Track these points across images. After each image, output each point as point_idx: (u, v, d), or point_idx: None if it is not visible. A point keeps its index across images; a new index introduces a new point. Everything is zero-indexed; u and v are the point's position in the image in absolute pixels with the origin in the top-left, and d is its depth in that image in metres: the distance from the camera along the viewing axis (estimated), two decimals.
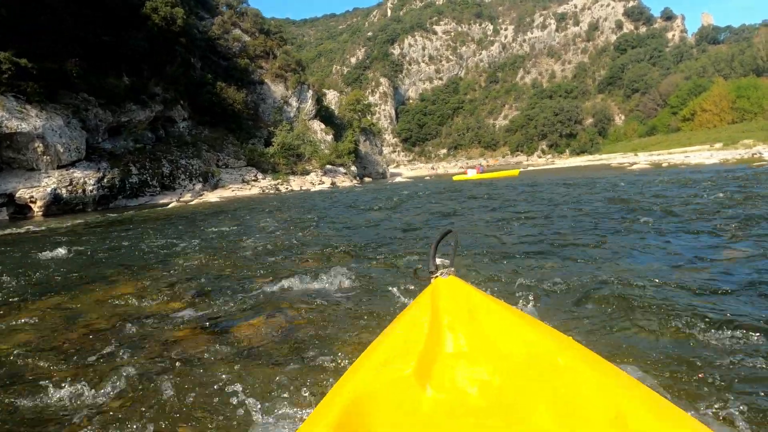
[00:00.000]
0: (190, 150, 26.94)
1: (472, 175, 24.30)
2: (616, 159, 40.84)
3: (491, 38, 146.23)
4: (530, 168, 46.19)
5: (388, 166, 62.03)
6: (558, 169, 29.95)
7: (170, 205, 19.14)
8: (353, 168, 42.28)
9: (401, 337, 1.10)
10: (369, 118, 54.56)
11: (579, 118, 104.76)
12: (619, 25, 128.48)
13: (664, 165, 22.90)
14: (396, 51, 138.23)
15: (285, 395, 1.87)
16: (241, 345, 2.51)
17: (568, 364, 0.88)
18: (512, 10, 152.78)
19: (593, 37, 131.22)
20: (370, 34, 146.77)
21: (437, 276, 1.29)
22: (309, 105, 41.73)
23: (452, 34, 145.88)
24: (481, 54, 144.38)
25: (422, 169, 79.73)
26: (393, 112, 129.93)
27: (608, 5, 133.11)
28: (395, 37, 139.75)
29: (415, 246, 5.22)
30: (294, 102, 40.48)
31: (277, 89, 39.38)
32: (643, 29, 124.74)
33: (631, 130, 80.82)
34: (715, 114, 57.17)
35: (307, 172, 34.76)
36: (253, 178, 29.25)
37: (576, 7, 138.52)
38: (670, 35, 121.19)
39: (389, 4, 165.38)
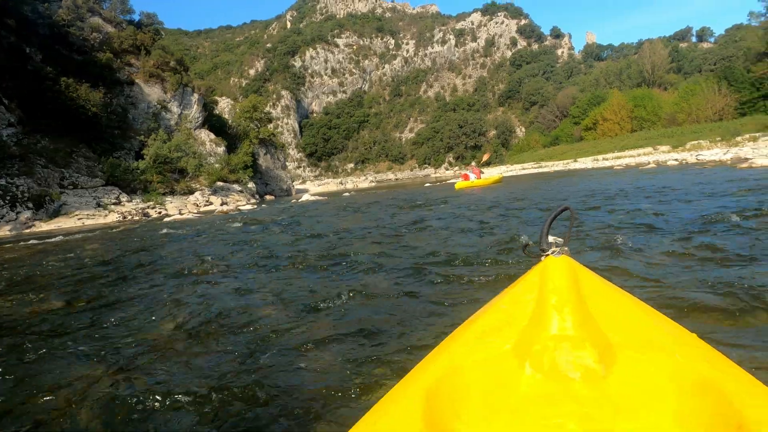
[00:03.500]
0: (17, 166, 19.73)
1: (473, 180, 20.04)
2: (556, 166, 38.76)
3: (393, 52, 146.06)
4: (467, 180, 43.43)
5: (293, 182, 56.22)
6: (531, 176, 27.67)
7: None
8: (251, 185, 36.18)
9: (503, 313, 1.07)
10: (270, 128, 48.57)
11: (483, 130, 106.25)
12: (514, 42, 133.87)
13: (640, 165, 21.23)
14: (297, 63, 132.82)
15: None
16: None
17: (688, 362, 0.81)
18: (412, 25, 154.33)
19: (490, 52, 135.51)
20: (269, 45, 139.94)
21: (549, 254, 1.22)
22: (194, 111, 35.07)
23: (354, 47, 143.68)
24: (384, 68, 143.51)
25: (330, 185, 74.62)
26: (297, 125, 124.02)
27: (503, 23, 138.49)
28: (296, 49, 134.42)
29: None
30: (175, 107, 33.65)
31: (153, 92, 32.41)
32: (535, 46, 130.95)
33: (534, 141, 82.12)
34: (615, 123, 58.55)
35: (193, 191, 28.30)
36: (113, 200, 22.45)
37: (473, 23, 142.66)
38: (559, 52, 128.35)
39: (289, 17, 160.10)
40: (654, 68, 77.60)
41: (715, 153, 17.04)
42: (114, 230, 13.86)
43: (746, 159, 12.25)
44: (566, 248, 1.26)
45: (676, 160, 16.64)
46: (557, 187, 13.44)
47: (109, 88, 28.51)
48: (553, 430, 0.74)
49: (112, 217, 20.11)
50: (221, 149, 35.63)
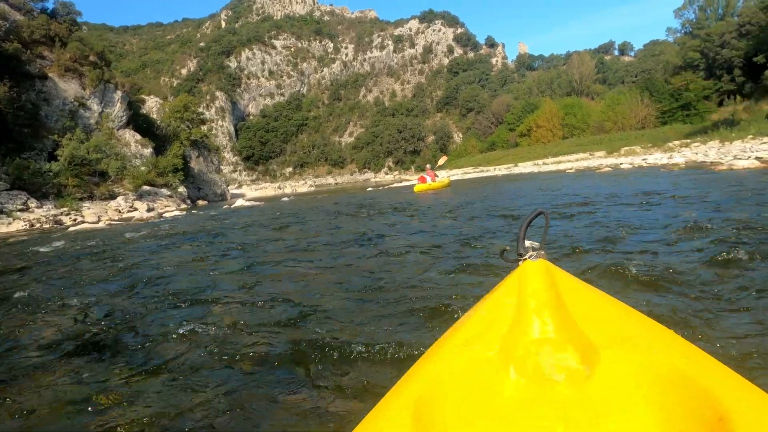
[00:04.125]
0: None
1: (430, 183, 18.70)
2: (500, 170, 39.06)
3: (332, 56, 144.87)
4: (411, 182, 42.78)
5: (228, 186, 53.86)
6: (478, 179, 27.21)
7: None
8: (182, 189, 33.99)
9: (485, 319, 1.08)
10: (204, 129, 46.21)
11: (422, 136, 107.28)
12: (450, 50, 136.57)
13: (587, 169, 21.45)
14: (233, 64, 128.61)
15: None
16: None
17: (667, 358, 0.83)
18: (351, 29, 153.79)
19: (428, 59, 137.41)
20: (202, 44, 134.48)
21: (526, 259, 1.25)
22: (117, 110, 32.45)
23: (292, 49, 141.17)
24: (323, 71, 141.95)
25: (268, 189, 72.39)
26: (232, 128, 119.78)
27: (440, 30, 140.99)
28: (231, 49, 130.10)
29: None
30: (95, 105, 30.93)
31: (69, 87, 29.60)
32: (471, 54, 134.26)
33: (471, 147, 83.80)
34: (548, 130, 60.72)
35: (115, 196, 26.00)
36: (20, 206, 20.04)
37: (411, 30, 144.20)
38: (494, 61, 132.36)
39: (223, 16, 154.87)
40: (582, 78, 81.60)
41: (658, 157, 17.64)
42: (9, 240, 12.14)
43: (719, 162, 12.00)
44: (543, 252, 1.29)
45: (630, 164, 16.85)
46: (527, 191, 12.57)
47: (16, 82, 25.68)
48: None
49: (18, 225, 17.85)
50: (148, 151, 33.22)
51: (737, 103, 41.71)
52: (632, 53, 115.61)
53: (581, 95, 74.83)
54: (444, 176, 25.35)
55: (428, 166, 19.50)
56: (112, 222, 17.83)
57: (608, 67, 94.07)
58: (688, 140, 25.02)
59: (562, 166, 27.19)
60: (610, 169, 16.27)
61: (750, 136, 19.21)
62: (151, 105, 45.35)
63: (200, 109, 53.08)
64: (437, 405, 0.84)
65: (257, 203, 22.21)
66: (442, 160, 24.55)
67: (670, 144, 25.87)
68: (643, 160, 18.13)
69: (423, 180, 18.49)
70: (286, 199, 25.70)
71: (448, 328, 1.16)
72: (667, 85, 48.90)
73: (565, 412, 0.78)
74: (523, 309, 1.03)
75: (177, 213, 20.34)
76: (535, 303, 1.03)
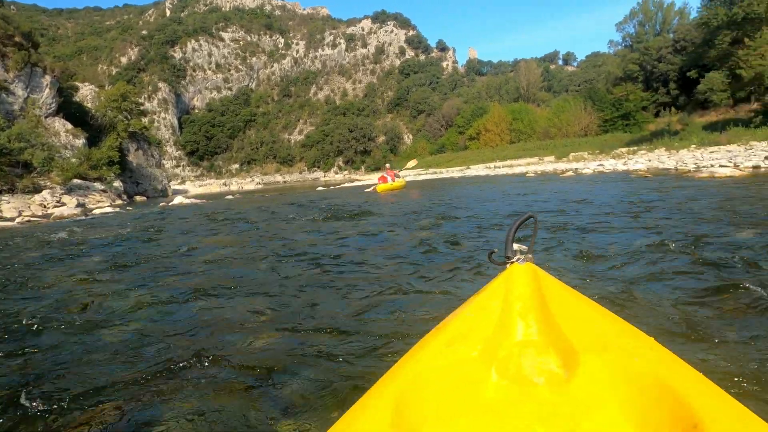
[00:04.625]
0: None
1: (391, 183, 17.57)
2: (453, 173, 38.98)
3: (283, 51, 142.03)
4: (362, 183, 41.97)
5: (169, 181, 51.31)
6: (434, 181, 25.84)
7: None
8: (117, 184, 31.84)
9: (469, 320, 1.09)
10: (145, 121, 43.74)
11: (372, 136, 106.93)
12: (402, 52, 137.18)
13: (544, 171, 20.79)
14: (177, 54, 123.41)
15: None
16: None
17: (645, 365, 0.84)
18: (303, 26, 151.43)
19: (380, 60, 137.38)
20: (145, 32, 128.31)
21: (513, 262, 1.28)
22: (45, 96, 29.91)
23: (241, 43, 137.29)
24: (272, 67, 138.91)
25: (213, 186, 69.80)
26: (176, 121, 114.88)
27: (392, 32, 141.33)
28: (176, 39, 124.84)
29: None
30: (19, 90, 28.34)
31: None
32: (422, 57, 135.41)
33: (421, 148, 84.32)
34: (496, 134, 61.89)
35: (40, 189, 23.86)
36: None
37: (363, 30, 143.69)
38: (444, 64, 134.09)
39: (168, 4, 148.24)
40: (529, 86, 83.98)
41: (613, 163, 17.91)
42: None
43: (696, 169, 11.73)
44: (530, 255, 1.30)
45: (591, 169, 16.88)
46: (499, 195, 11.65)
47: None
48: None
49: None
50: (80, 141, 30.89)
51: (672, 115, 44.01)
52: (575, 63, 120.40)
53: (528, 101, 76.90)
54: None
55: (387, 165, 18.92)
56: (33, 218, 16.15)
57: (553, 76, 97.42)
58: (635, 147, 25.93)
59: (517, 170, 27.38)
60: (572, 173, 16.19)
61: (693, 146, 20.06)
62: (86, 93, 42.34)
63: (140, 100, 50.29)
64: (417, 403, 0.84)
65: (198, 201, 20.74)
66: (411, 163, 24.11)
67: (618, 151, 26.74)
68: (599, 165, 18.36)
69: (384, 180, 17.77)
70: (230, 197, 24.32)
71: (432, 328, 1.14)
72: (609, 95, 50.95)
73: (544, 414, 0.79)
74: (508, 311, 1.05)
75: (108, 210, 18.74)
76: (520, 306, 1.05)
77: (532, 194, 11.11)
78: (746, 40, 21.59)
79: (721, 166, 11.39)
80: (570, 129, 52.79)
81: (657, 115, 47.35)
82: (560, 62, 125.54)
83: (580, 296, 1.17)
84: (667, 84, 48.33)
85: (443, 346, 0.99)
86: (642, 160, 17.06)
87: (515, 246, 1.31)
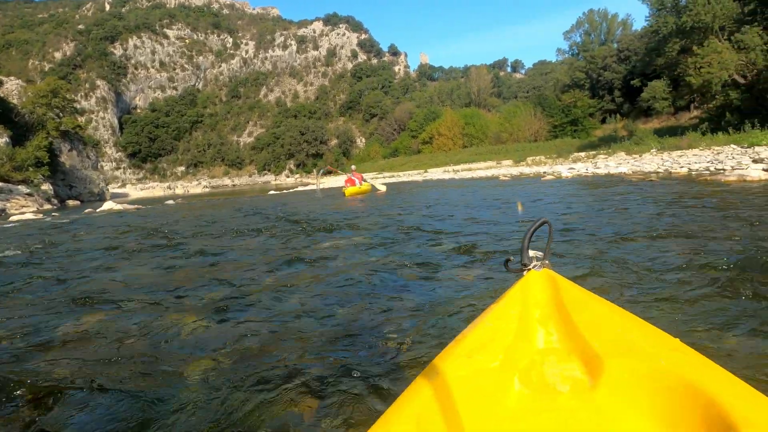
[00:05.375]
0: None
1: (359, 186, 16.42)
2: (413, 176, 38.09)
3: (231, 51, 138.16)
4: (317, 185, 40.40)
5: (107, 184, 48.18)
6: (391, 186, 22.83)
7: None
8: (46, 187, 29.21)
9: (489, 330, 1.08)
10: (81, 120, 40.71)
11: (324, 139, 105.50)
12: (355, 55, 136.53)
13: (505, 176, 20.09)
14: (118, 51, 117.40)
15: None
16: None
17: (672, 367, 0.82)
18: (252, 26, 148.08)
19: (332, 62, 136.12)
20: (81, 27, 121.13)
21: (530, 269, 1.28)
22: None
23: (187, 41, 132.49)
24: (221, 66, 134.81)
25: (156, 189, 66.43)
26: (116, 121, 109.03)
27: (344, 35, 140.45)
28: (116, 35, 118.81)
29: None
30: None
31: None
32: (374, 61, 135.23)
33: (374, 152, 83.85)
34: (449, 138, 62.15)
35: None
36: None
37: (315, 32, 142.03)
38: (396, 69, 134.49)
39: None
40: (480, 91, 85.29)
41: (581, 167, 17.69)
42: None
43: (717, 172, 10.61)
44: (547, 261, 1.30)
45: (569, 172, 16.29)
46: (490, 201, 9.83)
47: None
48: None
49: None
50: (2, 140, 28.09)
51: (617, 121, 45.50)
52: (523, 71, 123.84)
53: (479, 107, 77.98)
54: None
55: (353, 167, 17.68)
56: None
57: (503, 82, 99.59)
58: (593, 152, 26.27)
59: (481, 173, 26.98)
60: (552, 177, 15.62)
61: (654, 150, 20.34)
62: (11, 88, 38.86)
63: (75, 97, 46.98)
64: (441, 417, 0.83)
65: (132, 207, 18.55)
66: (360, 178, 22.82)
67: (577, 155, 27.03)
68: (570, 168, 18.12)
69: (352, 182, 16.52)
70: (171, 202, 22.17)
71: (452, 340, 1.12)
72: (557, 102, 52.17)
73: (569, 422, 0.78)
74: (527, 319, 1.05)
75: (29, 216, 16.69)
76: (539, 313, 1.06)
77: (538, 200, 9.37)
78: (695, 48, 22.18)
79: (734, 168, 10.85)
80: (521, 134, 53.64)
81: (603, 121, 48.88)
82: (509, 69, 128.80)
83: (600, 300, 1.13)
84: (612, 92, 50.02)
85: (464, 357, 0.98)
86: (612, 164, 16.97)
87: (531, 252, 1.29)
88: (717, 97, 22.20)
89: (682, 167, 12.79)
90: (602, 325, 0.98)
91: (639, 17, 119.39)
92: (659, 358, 0.85)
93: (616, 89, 49.39)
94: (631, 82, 45.93)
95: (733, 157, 13.11)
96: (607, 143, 33.47)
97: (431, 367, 0.99)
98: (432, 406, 0.84)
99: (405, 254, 4.33)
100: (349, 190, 15.78)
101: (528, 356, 0.94)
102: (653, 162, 15.39)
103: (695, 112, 37.63)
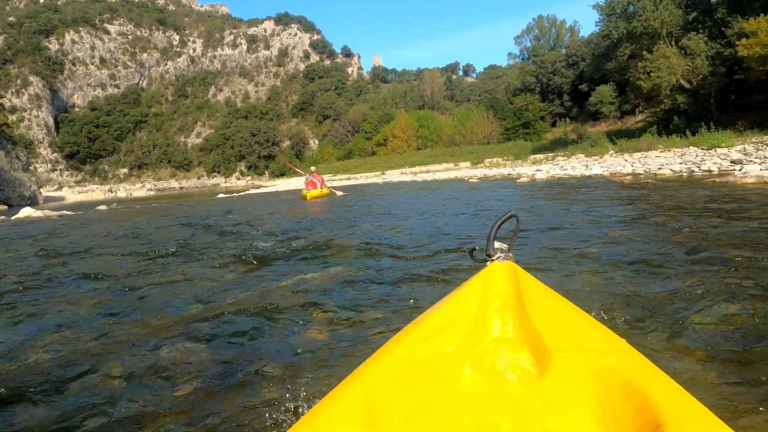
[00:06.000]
0: None
1: (320, 189, 15.20)
2: (370, 178, 37.13)
3: (178, 49, 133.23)
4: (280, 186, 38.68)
5: (40, 187, 44.95)
6: (350, 188, 21.27)
7: None
8: None
9: (447, 315, 1.10)
10: (11, 118, 37.71)
11: (276, 140, 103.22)
12: (307, 55, 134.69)
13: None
14: (53, 46, 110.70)
15: None
16: None
17: (615, 366, 0.86)
18: (200, 23, 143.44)
19: (284, 63, 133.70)
20: (12, 19, 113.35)
21: (494, 259, 1.30)
22: None
23: (130, 37, 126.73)
24: (166, 65, 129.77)
25: (96, 192, 62.71)
26: (51, 120, 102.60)
27: (296, 35, 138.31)
28: (51, 28, 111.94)
29: None
30: None
31: None
32: (327, 62, 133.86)
33: (328, 154, 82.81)
34: (403, 140, 62.04)
35: None
36: None
37: (266, 31, 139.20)
38: (349, 70, 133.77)
39: None
40: (433, 94, 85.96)
41: (547, 168, 17.59)
42: None
43: (727, 173, 9.84)
44: (511, 254, 1.33)
45: (541, 174, 15.74)
46: (485, 209, 8.20)
47: None
48: (487, 429, 0.79)
49: None
50: None
51: (567, 125, 46.68)
52: (474, 75, 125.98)
53: (433, 109, 78.48)
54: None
55: (313, 168, 16.58)
56: None
57: (455, 85, 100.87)
58: (551, 154, 26.55)
59: (442, 175, 26.39)
60: (527, 179, 15.07)
61: (611, 152, 20.67)
62: None
63: (4, 94, 43.57)
64: (390, 396, 0.84)
65: (56, 213, 15.82)
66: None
67: (536, 157, 27.24)
68: (537, 170, 17.92)
69: (313, 185, 15.38)
70: (104, 207, 19.14)
71: (409, 322, 1.13)
72: (510, 105, 53.04)
73: (514, 409, 0.82)
74: (485, 308, 1.08)
75: None
76: (498, 303, 1.08)
77: (536, 207, 7.84)
78: (645, 53, 22.79)
79: (721, 169, 10.71)
80: (474, 137, 54.12)
81: (554, 125, 50.05)
82: (460, 73, 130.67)
83: (557, 296, 1.17)
84: (561, 96, 51.32)
85: (420, 339, 1.00)
86: (578, 165, 17.01)
87: (497, 244, 1.31)
88: (665, 101, 22.94)
89: (660, 168, 12.62)
90: (556, 321, 1.02)
91: (585, 24, 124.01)
92: (605, 356, 0.89)
93: (565, 93, 50.69)
94: (580, 87, 47.25)
95: (703, 159, 13.21)
96: (558, 146, 34.14)
97: (386, 347, 1.01)
98: (383, 385, 0.86)
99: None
100: (312, 194, 14.85)
101: (482, 344, 0.97)
102: (623, 163, 15.38)
103: (640, 116, 39.10)
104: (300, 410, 1.61)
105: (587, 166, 16.73)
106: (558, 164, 20.31)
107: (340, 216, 9.04)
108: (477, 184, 16.16)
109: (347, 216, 8.88)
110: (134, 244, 6.44)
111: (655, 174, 11.97)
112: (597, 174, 13.91)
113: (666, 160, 14.65)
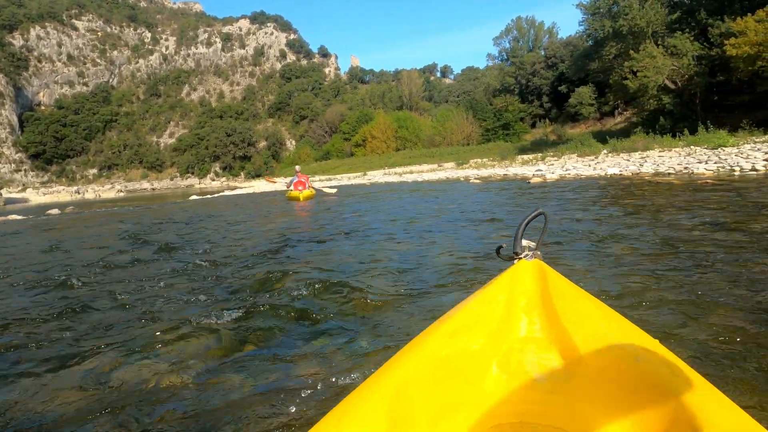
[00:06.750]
0: None
1: (309, 190, 13.97)
2: (352, 179, 35.92)
3: (150, 47, 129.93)
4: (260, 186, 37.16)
5: (1, 188, 42.69)
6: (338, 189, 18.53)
7: None
8: None
9: (474, 313, 1.10)
10: None
11: (252, 141, 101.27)
12: (284, 55, 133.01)
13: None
14: (18, 42, 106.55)
15: None
16: None
17: (649, 368, 0.83)
18: (173, 20, 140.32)
19: (260, 62, 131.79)
20: None
21: (521, 258, 1.28)
22: None
23: (99, 34, 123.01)
24: (138, 62, 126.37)
25: (62, 193, 60.10)
26: (15, 119, 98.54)
27: (272, 34, 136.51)
28: (16, 23, 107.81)
29: None
30: None
31: None
32: (304, 62, 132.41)
33: (305, 154, 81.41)
34: (382, 141, 61.35)
35: None
36: None
37: (241, 30, 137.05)
38: (327, 70, 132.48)
39: None
40: (411, 95, 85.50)
41: (547, 169, 16.95)
42: None
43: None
44: (539, 252, 1.31)
45: (553, 174, 14.94)
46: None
47: None
48: (512, 428, 0.78)
49: None
50: None
51: (546, 126, 46.66)
52: (452, 76, 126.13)
53: (411, 110, 77.98)
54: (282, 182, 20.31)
55: (297, 167, 15.30)
56: None
57: (434, 87, 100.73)
58: (541, 154, 26.06)
59: (429, 176, 25.45)
60: (540, 179, 14.08)
61: (604, 152, 20.28)
62: None
63: None
64: (417, 393, 0.84)
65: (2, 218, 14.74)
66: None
67: (525, 157, 26.72)
68: (537, 170, 17.25)
69: (303, 185, 14.14)
70: (56, 211, 17.37)
71: (436, 320, 1.12)
72: (489, 106, 52.81)
73: (542, 410, 0.80)
74: (512, 306, 1.08)
75: None
76: (525, 302, 1.08)
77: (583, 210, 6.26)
78: (631, 52, 22.55)
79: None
80: (453, 138, 53.78)
81: (533, 126, 50.03)
82: (438, 74, 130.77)
83: (586, 295, 1.15)
84: (540, 97, 51.36)
85: (446, 336, 0.99)
86: (578, 165, 16.42)
87: (524, 242, 1.29)
88: (651, 101, 22.74)
89: (686, 168, 11.78)
90: (585, 320, 1.01)
91: (564, 26, 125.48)
92: (636, 357, 0.86)
93: (544, 95, 50.74)
94: (559, 88, 47.32)
95: (724, 158, 12.32)
96: (540, 147, 33.87)
97: (413, 343, 1.01)
98: (410, 381, 0.85)
99: None
100: (305, 194, 13.63)
101: (509, 342, 0.96)
102: (626, 163, 14.66)
103: (620, 118, 39.21)
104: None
105: (590, 165, 16.14)
106: (553, 164, 19.73)
107: (360, 224, 6.70)
108: (482, 185, 14.67)
109: (365, 223, 6.92)
110: (30, 267, 4.71)
111: (692, 174, 10.98)
112: (613, 174, 13.06)
113: (681, 159, 13.87)
